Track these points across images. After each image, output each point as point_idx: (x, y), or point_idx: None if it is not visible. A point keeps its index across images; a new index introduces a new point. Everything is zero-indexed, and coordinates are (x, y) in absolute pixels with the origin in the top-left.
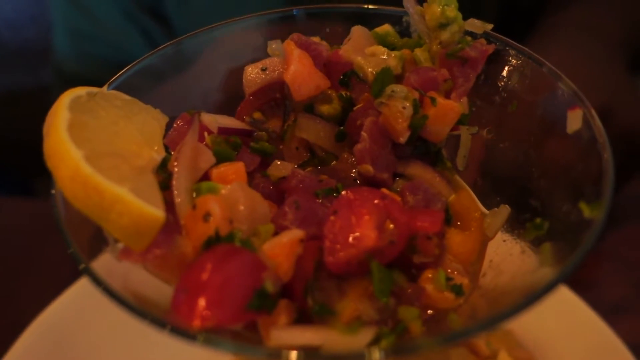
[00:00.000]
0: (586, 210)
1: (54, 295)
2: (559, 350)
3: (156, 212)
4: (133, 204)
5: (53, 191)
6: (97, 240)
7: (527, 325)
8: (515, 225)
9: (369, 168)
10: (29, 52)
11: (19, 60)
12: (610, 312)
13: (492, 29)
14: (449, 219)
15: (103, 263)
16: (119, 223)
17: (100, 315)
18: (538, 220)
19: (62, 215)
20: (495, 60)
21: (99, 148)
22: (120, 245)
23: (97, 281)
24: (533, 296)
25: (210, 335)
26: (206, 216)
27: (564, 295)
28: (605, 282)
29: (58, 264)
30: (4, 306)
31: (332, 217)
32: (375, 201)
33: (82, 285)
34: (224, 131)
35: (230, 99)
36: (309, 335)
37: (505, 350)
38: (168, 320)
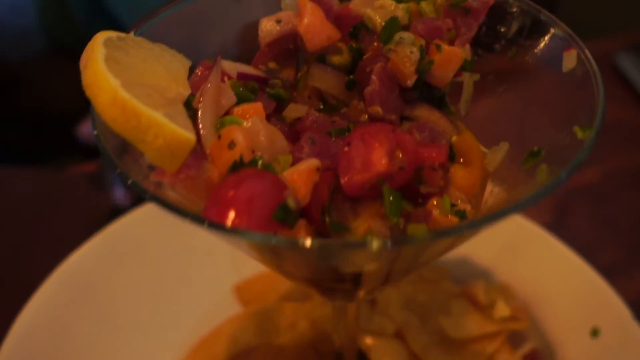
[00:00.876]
0: (579, 132)
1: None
2: (552, 303)
3: (188, 135)
4: (167, 126)
5: (95, 132)
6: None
7: (523, 280)
8: (514, 160)
9: (378, 109)
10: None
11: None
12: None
13: None
14: (452, 156)
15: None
16: (154, 144)
17: (120, 265)
18: (535, 148)
19: (104, 139)
20: (496, 11)
21: (133, 79)
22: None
23: (143, 191)
24: (529, 198)
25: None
26: (231, 144)
27: (559, 251)
28: (597, 247)
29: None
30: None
31: (346, 148)
32: (386, 133)
33: (102, 237)
34: (242, 76)
35: (246, 51)
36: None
37: (502, 300)
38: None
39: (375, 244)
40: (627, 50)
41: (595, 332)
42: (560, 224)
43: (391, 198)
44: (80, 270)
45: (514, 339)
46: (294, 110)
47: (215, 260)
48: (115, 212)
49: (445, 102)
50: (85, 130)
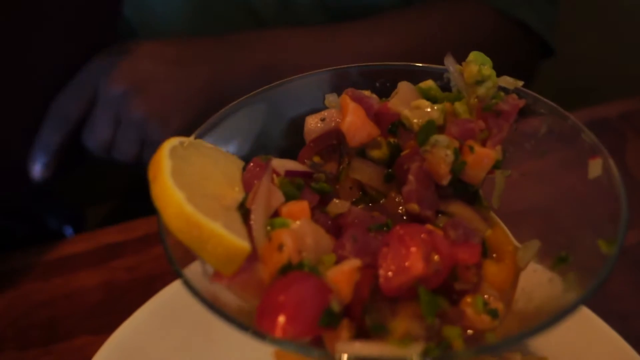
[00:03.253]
0: (603, 247)
1: None
2: None
3: (243, 244)
4: (225, 237)
5: (160, 229)
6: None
7: (561, 354)
8: (544, 258)
9: (415, 207)
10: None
11: None
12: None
13: None
14: (485, 252)
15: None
16: (214, 253)
17: (169, 334)
18: (563, 253)
19: (170, 247)
20: (526, 113)
21: (195, 190)
22: (211, 270)
23: (206, 302)
24: (555, 317)
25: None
26: (280, 247)
27: (599, 328)
28: (637, 315)
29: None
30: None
31: (384, 249)
32: (422, 235)
33: (151, 305)
34: (289, 174)
35: (290, 144)
36: (370, 348)
37: None
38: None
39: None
40: None
41: None
42: (599, 289)
43: (427, 299)
44: (131, 340)
45: None
46: (337, 207)
47: None
48: None
49: (478, 197)
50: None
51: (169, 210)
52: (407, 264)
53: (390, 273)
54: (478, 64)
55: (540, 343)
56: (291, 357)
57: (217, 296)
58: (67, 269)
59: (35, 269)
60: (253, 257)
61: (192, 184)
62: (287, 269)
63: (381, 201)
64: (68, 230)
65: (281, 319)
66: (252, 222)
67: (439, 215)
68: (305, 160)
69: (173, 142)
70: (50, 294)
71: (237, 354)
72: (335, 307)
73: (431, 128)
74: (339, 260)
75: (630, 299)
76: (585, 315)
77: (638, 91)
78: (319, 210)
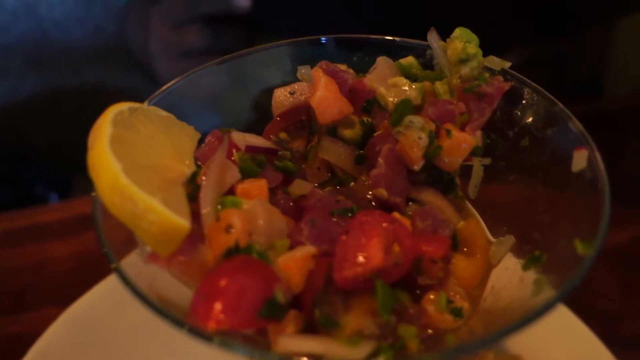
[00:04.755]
0: (579, 247)
1: None
2: None
3: (182, 222)
4: (163, 213)
5: (94, 194)
6: (128, 245)
7: (536, 353)
8: (517, 255)
9: (383, 192)
10: (75, 54)
11: (65, 60)
12: (625, 346)
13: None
14: (455, 245)
15: (133, 265)
16: (149, 230)
17: (126, 312)
18: (537, 252)
19: (100, 219)
20: (511, 97)
21: (136, 161)
22: (148, 250)
23: (126, 280)
24: (521, 322)
25: (226, 338)
26: (228, 228)
27: (578, 329)
28: (623, 315)
29: None
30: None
31: (343, 237)
32: (385, 224)
33: (111, 281)
34: (251, 149)
35: (260, 118)
36: (313, 344)
37: None
38: (187, 320)
39: None
40: None
41: None
42: (584, 287)
43: (384, 294)
44: (89, 314)
45: None
46: (299, 187)
47: None
48: None
49: (453, 186)
50: None
51: (103, 182)
52: (365, 254)
53: (346, 263)
54: (463, 41)
55: (515, 341)
56: None
57: (155, 280)
58: (39, 238)
59: (6, 236)
60: (196, 237)
61: (134, 154)
62: (232, 253)
63: (350, 184)
64: (53, 198)
65: (217, 306)
66: (200, 199)
67: (410, 203)
68: (271, 136)
69: (121, 107)
70: (20, 262)
71: (209, 351)
72: (280, 297)
73: (406, 108)
74: (294, 246)
75: (618, 301)
76: (564, 314)
77: None
78: (281, 190)
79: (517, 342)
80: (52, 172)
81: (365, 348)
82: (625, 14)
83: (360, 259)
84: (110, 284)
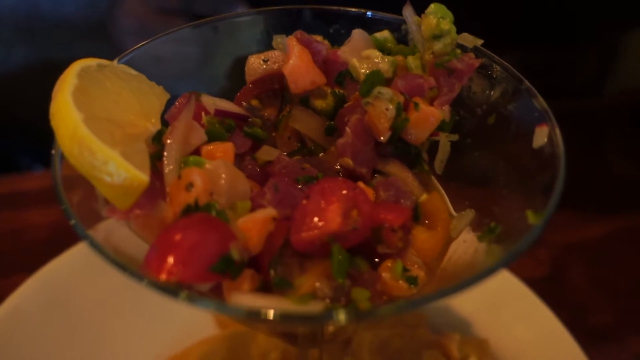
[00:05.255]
0: (530, 217)
1: None
2: None
3: (140, 175)
4: (121, 165)
5: (53, 151)
6: (89, 200)
7: (501, 337)
8: (476, 228)
9: (348, 161)
10: (66, 27)
11: (56, 33)
12: (590, 337)
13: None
14: (417, 217)
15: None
16: (107, 182)
17: (94, 277)
18: (493, 224)
19: (58, 173)
20: (481, 74)
21: (98, 113)
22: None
23: (84, 236)
24: (456, 286)
25: (191, 293)
26: (189, 186)
27: (543, 315)
28: (591, 307)
29: None
30: None
31: (304, 201)
32: (345, 191)
33: (80, 248)
34: (220, 113)
35: (235, 85)
36: (263, 302)
37: (475, 357)
38: (144, 273)
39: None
40: None
41: None
42: (555, 279)
43: (340, 258)
44: (57, 279)
45: None
46: (266, 153)
47: None
48: None
49: (419, 160)
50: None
51: (63, 131)
52: (323, 218)
53: (304, 226)
54: (438, 16)
55: (482, 326)
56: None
57: (111, 233)
58: (16, 205)
59: None
60: (156, 193)
61: (97, 107)
62: (191, 210)
63: (319, 155)
64: (38, 168)
65: (170, 259)
66: (164, 157)
67: (376, 175)
68: (243, 103)
69: (88, 62)
70: None
71: (175, 316)
72: (235, 254)
73: (377, 79)
74: (255, 208)
75: (586, 293)
76: (532, 302)
77: None
78: (249, 156)
79: (485, 327)
80: (38, 144)
81: (315, 307)
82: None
83: (318, 222)
84: (79, 251)
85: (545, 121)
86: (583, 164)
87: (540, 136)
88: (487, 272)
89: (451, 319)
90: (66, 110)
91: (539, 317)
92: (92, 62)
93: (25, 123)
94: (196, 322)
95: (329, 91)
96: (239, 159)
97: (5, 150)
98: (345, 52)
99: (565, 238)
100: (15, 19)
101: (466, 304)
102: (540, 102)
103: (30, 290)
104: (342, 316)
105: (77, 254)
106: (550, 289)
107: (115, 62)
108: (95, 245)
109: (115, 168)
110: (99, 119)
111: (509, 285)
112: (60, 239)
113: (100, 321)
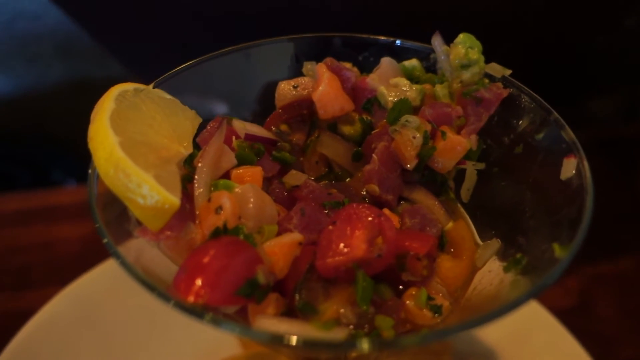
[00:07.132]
0: (557, 251)
1: None
2: None
3: (172, 198)
4: (154, 188)
5: (90, 170)
6: (122, 219)
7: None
8: (502, 258)
9: (375, 188)
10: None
11: (92, 53)
12: None
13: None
14: (442, 245)
15: (133, 248)
16: (140, 204)
17: (122, 293)
18: (519, 255)
19: (94, 192)
20: (509, 104)
21: (133, 137)
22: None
23: (116, 255)
24: (482, 318)
25: (216, 316)
26: (218, 209)
27: (571, 347)
28: (620, 340)
29: None
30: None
31: (330, 227)
32: (370, 218)
33: (111, 264)
34: (250, 137)
35: (265, 110)
36: (286, 326)
37: None
38: (172, 294)
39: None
40: None
41: None
42: (584, 309)
43: (364, 285)
44: (87, 294)
45: None
46: (293, 178)
47: None
48: None
49: (446, 188)
50: None
51: (100, 153)
52: (348, 244)
53: (329, 252)
54: (466, 46)
55: (509, 355)
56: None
57: (142, 253)
58: (48, 219)
59: (17, 215)
60: (187, 215)
61: (132, 130)
62: (219, 233)
63: (346, 180)
64: (71, 183)
65: (198, 281)
66: (195, 180)
67: (402, 202)
68: (272, 127)
69: (125, 87)
70: (28, 240)
71: (199, 334)
72: (261, 278)
73: (404, 107)
74: (282, 232)
75: (615, 325)
76: (561, 335)
77: None
78: (277, 180)
79: (510, 356)
80: (71, 159)
81: (338, 334)
82: None
83: (343, 248)
84: (109, 267)
85: (574, 153)
86: (614, 192)
87: (568, 168)
88: (512, 306)
89: (476, 348)
90: (104, 134)
91: (566, 348)
92: (129, 86)
93: (59, 138)
94: (221, 341)
95: (357, 118)
96: (267, 183)
97: (39, 164)
98: (373, 79)
99: (595, 268)
100: (55, 39)
101: (492, 332)
102: (568, 133)
103: (61, 305)
104: (365, 345)
105: (107, 271)
106: (578, 319)
107: (150, 86)
108: (126, 265)
109: (149, 190)
110: (134, 142)
111: (535, 315)
112: (90, 253)
113: (126, 337)
